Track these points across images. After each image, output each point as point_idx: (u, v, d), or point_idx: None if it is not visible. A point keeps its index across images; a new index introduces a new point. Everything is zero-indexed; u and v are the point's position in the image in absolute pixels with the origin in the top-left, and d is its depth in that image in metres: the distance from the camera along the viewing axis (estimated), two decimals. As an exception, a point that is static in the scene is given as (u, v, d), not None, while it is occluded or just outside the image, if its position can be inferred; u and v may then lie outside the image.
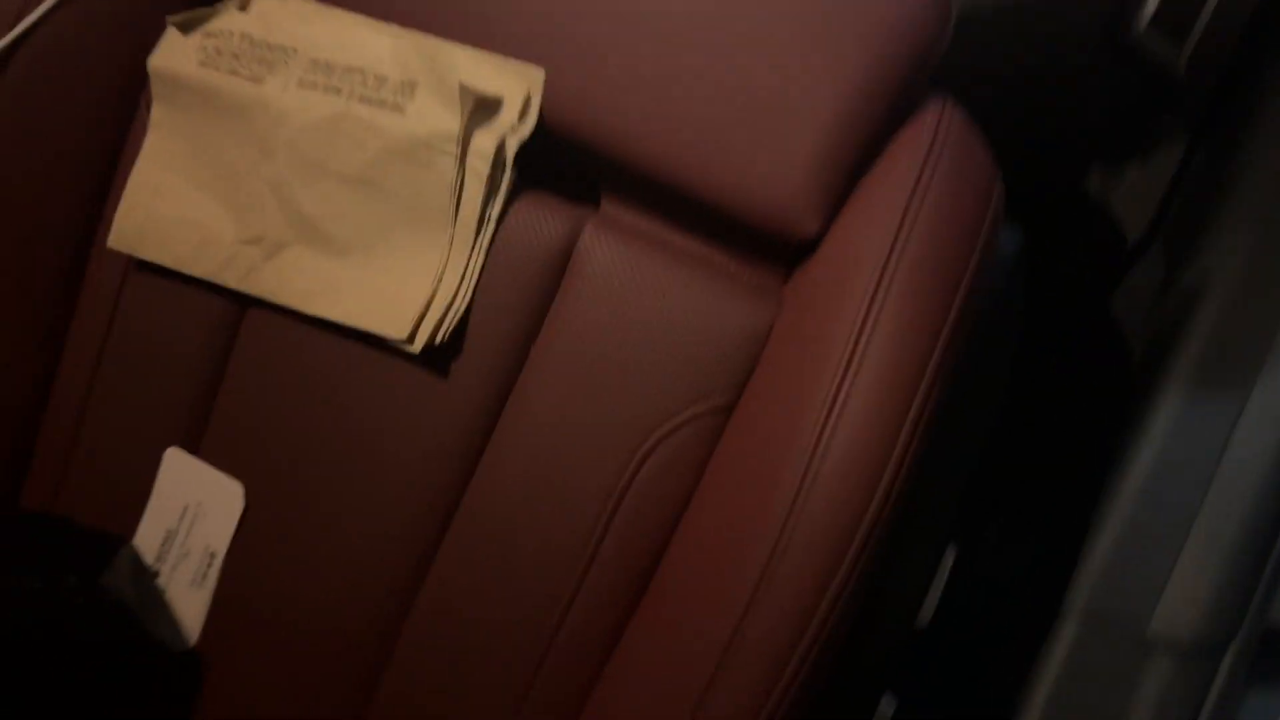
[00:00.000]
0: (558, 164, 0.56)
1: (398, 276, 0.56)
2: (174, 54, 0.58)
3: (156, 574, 0.64)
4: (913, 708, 0.56)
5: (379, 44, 0.55)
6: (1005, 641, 0.59)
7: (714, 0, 0.51)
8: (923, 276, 0.48)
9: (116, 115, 0.62)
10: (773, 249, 0.54)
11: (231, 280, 0.59)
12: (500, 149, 0.54)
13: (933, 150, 0.50)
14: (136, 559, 0.64)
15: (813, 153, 0.51)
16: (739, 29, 0.51)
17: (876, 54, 0.50)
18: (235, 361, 0.62)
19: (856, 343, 0.48)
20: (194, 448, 0.63)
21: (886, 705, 0.57)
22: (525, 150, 0.54)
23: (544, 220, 0.55)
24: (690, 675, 0.49)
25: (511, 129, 0.54)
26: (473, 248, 0.55)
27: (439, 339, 0.55)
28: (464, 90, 0.53)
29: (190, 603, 0.63)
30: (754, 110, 0.51)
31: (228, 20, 0.58)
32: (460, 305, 0.55)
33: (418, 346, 0.55)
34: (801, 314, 0.52)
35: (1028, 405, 0.58)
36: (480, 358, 0.56)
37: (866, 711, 0.57)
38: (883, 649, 0.55)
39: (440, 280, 0.56)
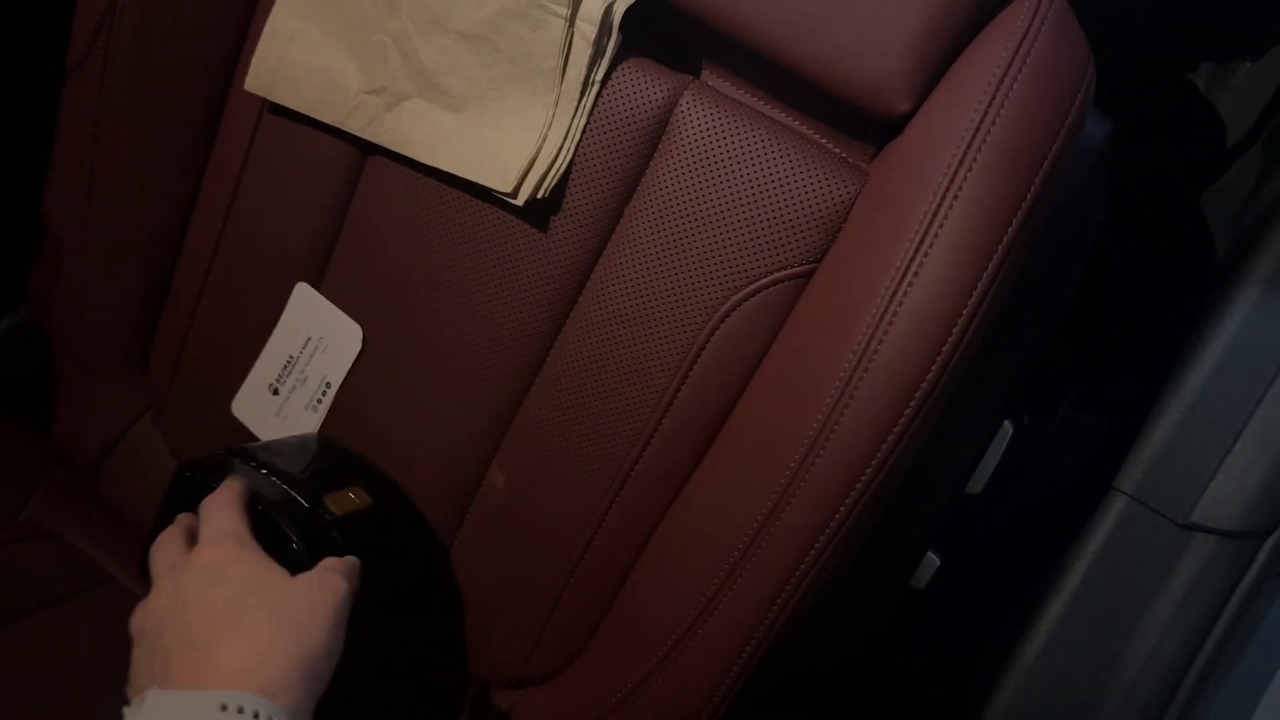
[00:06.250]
0: (661, 31, 0.58)
1: (507, 132, 0.60)
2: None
3: (275, 391, 0.71)
4: (955, 569, 0.60)
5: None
6: (1053, 516, 0.62)
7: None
8: (1005, 156, 0.50)
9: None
10: (863, 125, 0.56)
11: (355, 127, 0.64)
12: (607, 13, 0.56)
13: (1026, 36, 0.51)
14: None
15: (911, 32, 0.52)
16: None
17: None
18: (356, 206, 0.67)
19: (934, 216, 0.50)
20: (315, 285, 0.69)
21: (928, 564, 0.61)
22: (631, 16, 0.57)
23: (646, 85, 0.58)
24: (746, 516, 0.54)
25: (620, -5, 0.57)
26: (576, 108, 0.58)
27: (541, 194, 0.59)
28: (577, -46, 0.55)
29: (304, 423, 0.70)
30: (856, -14, 0.53)
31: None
32: (562, 163, 0.59)
33: (521, 200, 0.60)
34: (884, 187, 0.54)
35: (1108, 292, 0.60)
36: (578, 215, 0.60)
37: (909, 566, 0.61)
38: (931, 509, 0.59)
39: (545, 138, 0.59)
